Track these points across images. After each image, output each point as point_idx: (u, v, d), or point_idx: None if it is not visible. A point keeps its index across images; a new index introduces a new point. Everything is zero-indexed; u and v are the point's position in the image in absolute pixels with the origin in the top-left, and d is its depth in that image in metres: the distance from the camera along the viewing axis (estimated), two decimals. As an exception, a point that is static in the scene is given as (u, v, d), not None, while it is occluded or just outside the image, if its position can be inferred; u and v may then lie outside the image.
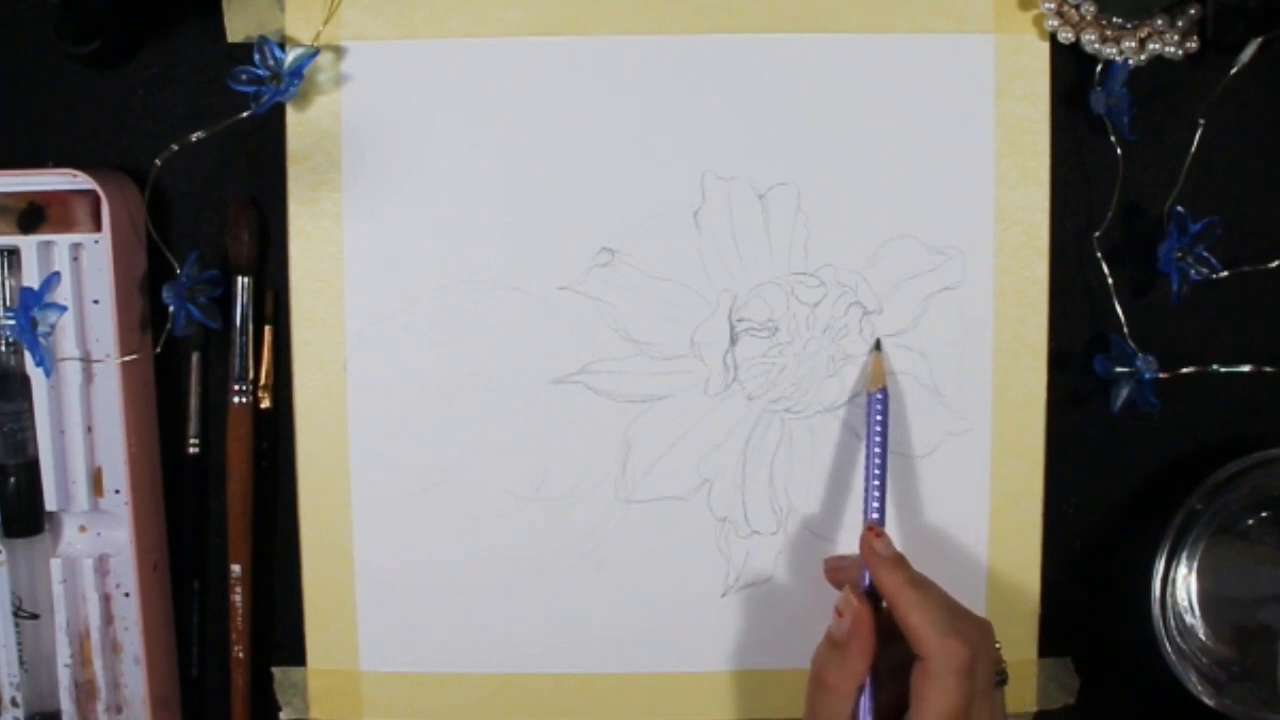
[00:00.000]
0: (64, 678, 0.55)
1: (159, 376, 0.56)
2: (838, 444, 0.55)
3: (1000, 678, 0.48)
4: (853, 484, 0.55)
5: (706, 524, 0.55)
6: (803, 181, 0.54)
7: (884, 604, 0.48)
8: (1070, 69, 0.54)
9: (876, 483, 0.51)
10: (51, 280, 0.51)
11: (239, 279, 0.55)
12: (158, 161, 0.53)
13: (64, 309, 0.52)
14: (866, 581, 0.49)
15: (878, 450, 0.51)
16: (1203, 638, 0.56)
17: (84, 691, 0.56)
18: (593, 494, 0.55)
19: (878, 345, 0.54)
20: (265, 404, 0.56)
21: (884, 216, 0.54)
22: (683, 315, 0.55)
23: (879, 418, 0.52)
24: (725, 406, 0.55)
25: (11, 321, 0.51)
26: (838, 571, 0.54)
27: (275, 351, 0.56)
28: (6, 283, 0.54)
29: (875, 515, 0.51)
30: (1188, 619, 0.56)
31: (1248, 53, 0.52)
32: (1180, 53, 0.53)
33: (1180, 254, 0.54)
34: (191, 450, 0.57)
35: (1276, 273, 0.55)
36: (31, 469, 0.54)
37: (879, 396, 0.52)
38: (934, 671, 0.44)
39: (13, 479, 0.54)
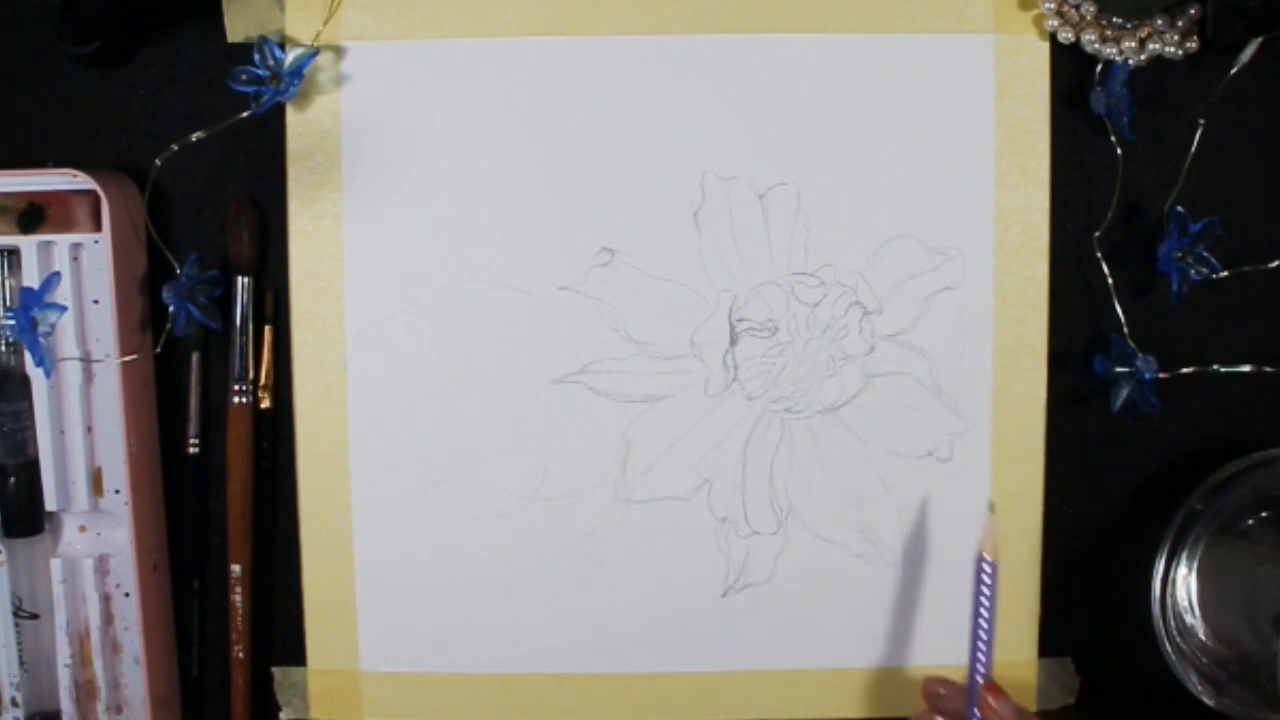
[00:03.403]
0: (64, 678, 0.55)
1: (159, 376, 0.56)
2: (838, 444, 0.55)
3: None
4: (853, 484, 0.55)
5: (706, 524, 0.55)
6: (803, 181, 0.54)
7: None
8: (1070, 69, 0.54)
9: (984, 644, 0.51)
10: (51, 280, 0.51)
11: (239, 279, 0.55)
12: (158, 161, 0.53)
13: (64, 309, 0.52)
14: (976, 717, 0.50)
15: (985, 615, 0.50)
16: (1203, 638, 0.56)
17: (84, 691, 0.56)
18: (593, 494, 0.55)
19: (991, 507, 0.52)
20: (265, 404, 0.56)
21: (884, 216, 0.54)
22: (683, 315, 0.55)
23: (986, 587, 0.51)
24: (725, 406, 0.55)
25: (11, 321, 0.51)
26: (936, 698, 0.53)
27: (275, 351, 0.56)
28: (6, 283, 0.54)
29: (984, 672, 0.51)
30: (1188, 619, 0.56)
31: (1248, 53, 0.52)
32: (1180, 53, 0.53)
33: (1180, 254, 0.54)
34: (191, 450, 0.57)
35: (1276, 273, 0.55)
36: (31, 469, 0.54)
37: (988, 568, 0.51)
38: None
39: (13, 479, 0.54)
